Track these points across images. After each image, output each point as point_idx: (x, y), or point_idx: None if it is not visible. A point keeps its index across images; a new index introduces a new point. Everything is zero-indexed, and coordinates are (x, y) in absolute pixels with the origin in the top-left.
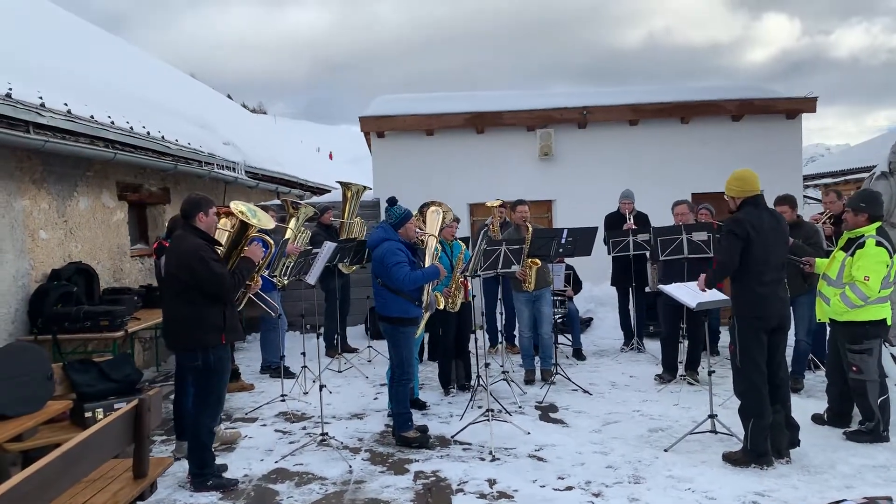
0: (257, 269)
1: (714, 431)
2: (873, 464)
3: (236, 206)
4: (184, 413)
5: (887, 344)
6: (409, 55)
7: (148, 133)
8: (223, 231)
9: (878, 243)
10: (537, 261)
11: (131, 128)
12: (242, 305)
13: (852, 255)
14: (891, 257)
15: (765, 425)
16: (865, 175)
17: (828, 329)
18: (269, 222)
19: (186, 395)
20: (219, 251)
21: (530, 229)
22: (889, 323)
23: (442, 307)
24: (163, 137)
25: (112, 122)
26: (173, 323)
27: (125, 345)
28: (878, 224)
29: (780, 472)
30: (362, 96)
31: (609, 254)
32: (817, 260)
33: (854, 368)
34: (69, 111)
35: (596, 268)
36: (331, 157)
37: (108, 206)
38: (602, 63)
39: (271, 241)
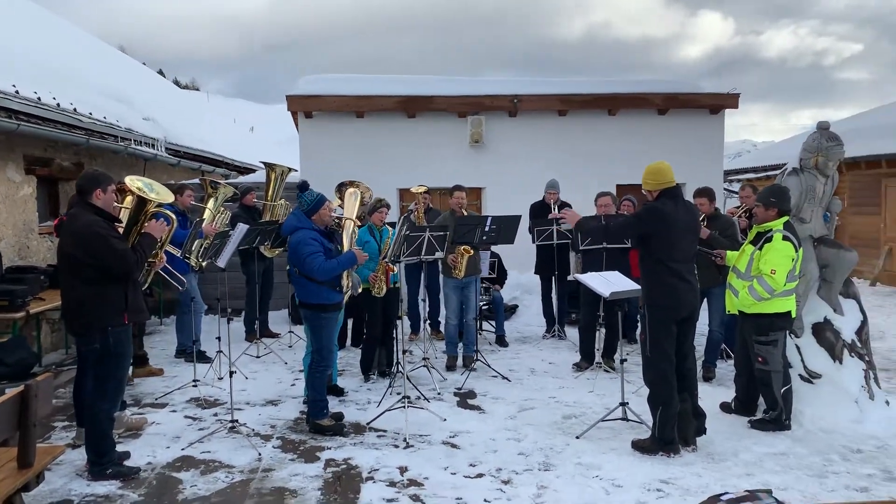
0: (160, 245)
1: (625, 419)
2: (774, 452)
3: (132, 181)
4: (84, 399)
5: (792, 335)
6: (348, 37)
7: (58, 105)
8: (126, 210)
9: (785, 238)
10: (470, 249)
11: (39, 98)
12: (147, 284)
13: (760, 248)
14: (796, 251)
15: (672, 414)
16: None
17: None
18: (167, 196)
19: (87, 379)
20: (118, 229)
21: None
22: (794, 315)
23: (360, 290)
24: (75, 110)
25: (17, 92)
26: (70, 303)
27: (28, 326)
28: (785, 219)
29: (686, 459)
30: (299, 76)
31: (533, 242)
32: (728, 252)
33: (760, 359)
34: None
35: (522, 256)
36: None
37: (13, 181)
38: (540, 54)
39: (173, 217)
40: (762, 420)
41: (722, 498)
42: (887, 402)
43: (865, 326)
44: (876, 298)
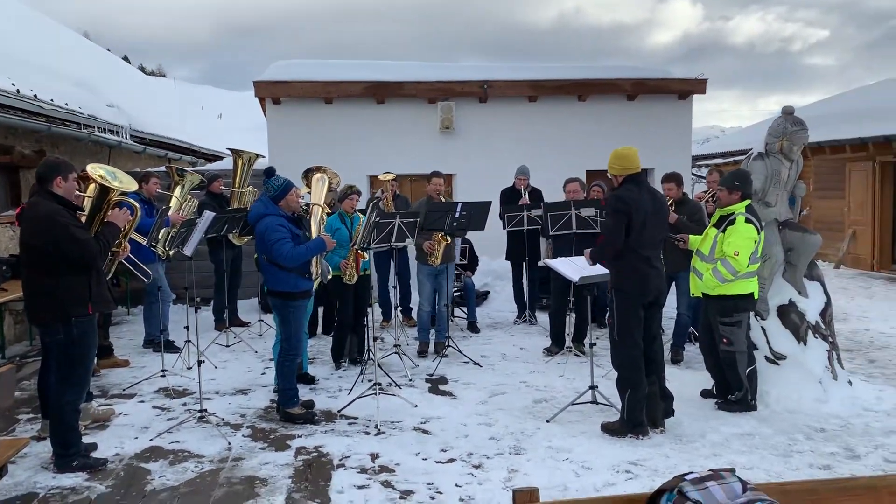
0: (124, 234)
1: (594, 402)
2: (740, 432)
3: (94, 169)
4: (48, 390)
5: (758, 318)
6: (321, 23)
7: (18, 91)
8: (89, 199)
9: (748, 220)
10: (448, 237)
11: None
12: (111, 274)
13: (724, 231)
14: (758, 233)
15: (641, 397)
16: None
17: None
18: (131, 185)
19: (51, 371)
20: (80, 218)
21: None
22: (756, 297)
23: (330, 277)
24: (35, 97)
25: None
26: (32, 294)
27: None
28: (747, 202)
29: (655, 441)
30: (269, 63)
31: (504, 228)
32: (690, 237)
33: (725, 340)
34: None
35: (493, 243)
36: (203, 108)
37: None
38: (511, 41)
39: (137, 206)
40: (728, 401)
41: (686, 477)
42: (850, 383)
43: (829, 308)
44: (840, 281)
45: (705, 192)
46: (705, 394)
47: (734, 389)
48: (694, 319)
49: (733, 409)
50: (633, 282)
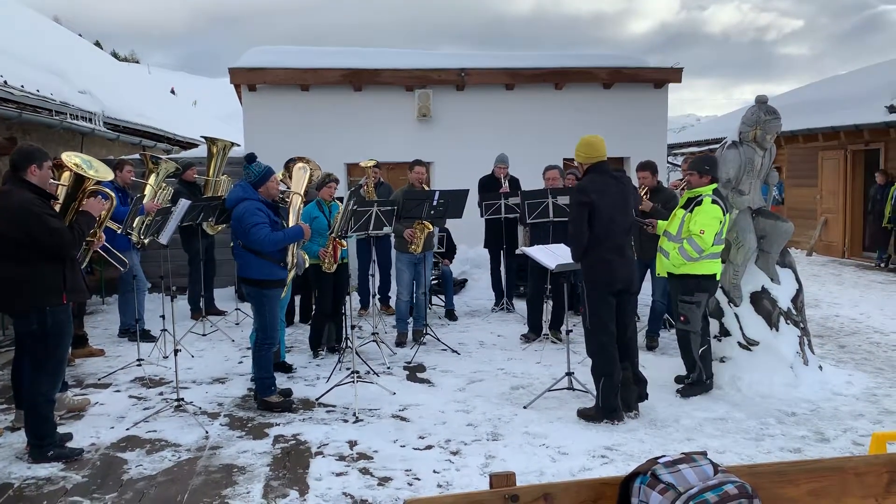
0: (99, 223)
1: (571, 388)
2: (713, 416)
3: (69, 157)
4: (22, 380)
5: (731, 304)
6: (297, 9)
7: None
8: (64, 187)
9: (714, 201)
10: (429, 225)
11: None
12: (86, 263)
13: (691, 211)
14: (724, 215)
15: (615, 383)
16: None
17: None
18: (106, 174)
19: (25, 360)
20: (55, 207)
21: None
22: (718, 278)
23: (308, 266)
24: (5, 83)
25: None
26: (5, 284)
27: None
28: (714, 185)
29: (630, 426)
30: (244, 50)
31: (482, 216)
32: (659, 222)
33: (682, 318)
34: None
35: (471, 231)
36: (173, 91)
37: None
38: (489, 30)
39: (112, 194)
40: (686, 385)
41: (659, 460)
42: (820, 367)
43: (801, 295)
44: (812, 268)
45: (681, 180)
46: (679, 380)
47: (688, 372)
48: (668, 306)
49: (693, 393)
50: (601, 273)
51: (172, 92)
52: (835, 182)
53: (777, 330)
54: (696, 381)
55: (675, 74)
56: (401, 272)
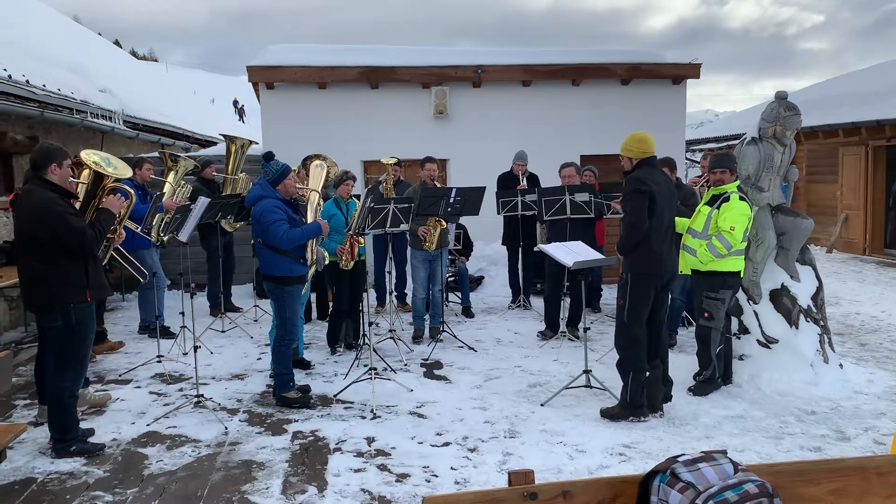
0: (119, 220)
1: (588, 386)
2: (732, 415)
3: (88, 155)
4: (45, 376)
5: (751, 302)
6: (316, 8)
7: (10, 77)
8: (83, 185)
9: (741, 198)
10: (443, 222)
11: None
12: (106, 261)
13: (718, 208)
14: (751, 211)
15: (643, 379)
16: None
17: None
18: (126, 171)
19: (48, 356)
20: (75, 205)
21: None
22: (742, 275)
23: (327, 263)
24: (27, 82)
25: None
26: (29, 282)
27: None
28: (738, 182)
29: (648, 424)
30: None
31: (498, 213)
32: (677, 219)
33: (706, 314)
34: None
35: (489, 228)
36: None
37: None
38: (506, 25)
39: (131, 192)
40: (699, 384)
41: (679, 459)
42: (841, 366)
43: (821, 292)
44: (832, 265)
45: (699, 176)
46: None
47: (701, 369)
48: (688, 304)
49: (704, 391)
50: (651, 264)
51: (212, 102)
52: (855, 178)
53: (797, 328)
54: (707, 379)
55: (693, 70)
56: (416, 269)
